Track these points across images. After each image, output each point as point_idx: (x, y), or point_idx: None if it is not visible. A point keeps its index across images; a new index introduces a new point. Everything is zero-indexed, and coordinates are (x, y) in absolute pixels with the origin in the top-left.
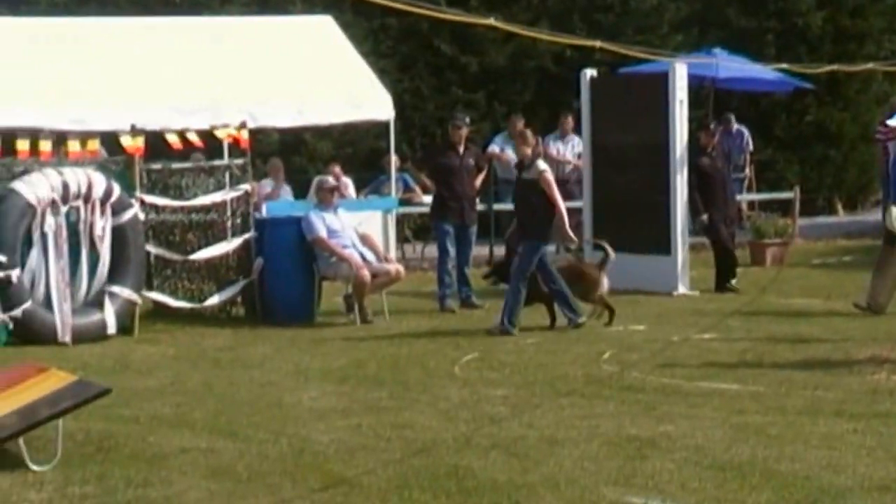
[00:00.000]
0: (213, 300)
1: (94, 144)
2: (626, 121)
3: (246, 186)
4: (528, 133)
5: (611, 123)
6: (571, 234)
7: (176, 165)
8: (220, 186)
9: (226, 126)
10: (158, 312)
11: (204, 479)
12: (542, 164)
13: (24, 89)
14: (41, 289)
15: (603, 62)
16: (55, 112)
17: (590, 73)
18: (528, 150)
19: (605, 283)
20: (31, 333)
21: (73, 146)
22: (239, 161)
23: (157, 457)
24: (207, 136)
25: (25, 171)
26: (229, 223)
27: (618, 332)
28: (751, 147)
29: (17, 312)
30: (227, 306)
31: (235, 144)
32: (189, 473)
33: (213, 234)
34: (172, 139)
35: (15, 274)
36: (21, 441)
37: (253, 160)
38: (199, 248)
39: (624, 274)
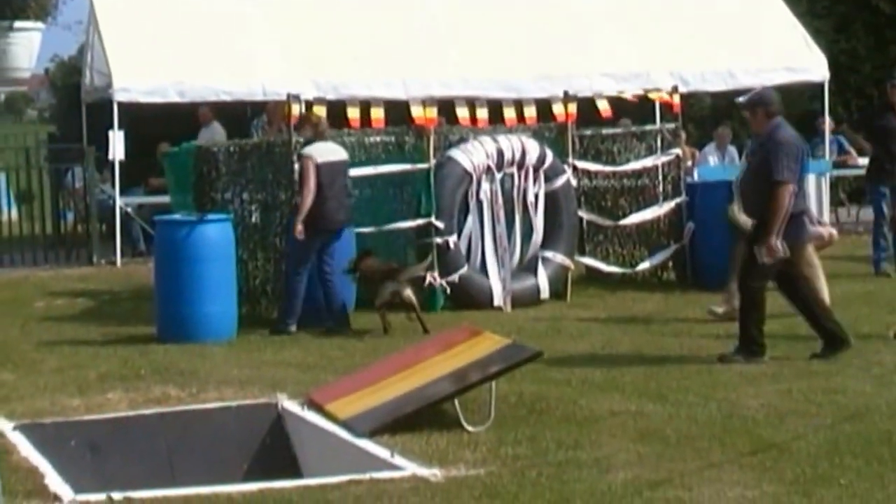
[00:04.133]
0: (644, 265)
1: (529, 112)
2: None
3: (677, 151)
4: (312, 114)
5: None
6: (301, 229)
7: (607, 131)
8: (651, 151)
9: (657, 90)
10: (591, 277)
11: (633, 442)
12: (307, 149)
13: (455, 59)
14: (477, 254)
15: None
16: (491, 80)
17: None
18: (310, 132)
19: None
20: (467, 298)
21: (508, 114)
22: (670, 125)
23: (587, 419)
24: (640, 100)
25: (462, 140)
26: (660, 188)
27: None
28: None
29: (454, 277)
30: (658, 271)
31: (668, 109)
32: (618, 436)
33: (644, 199)
34: (603, 106)
35: (452, 240)
36: (456, 402)
37: (685, 125)
38: (630, 213)
39: None
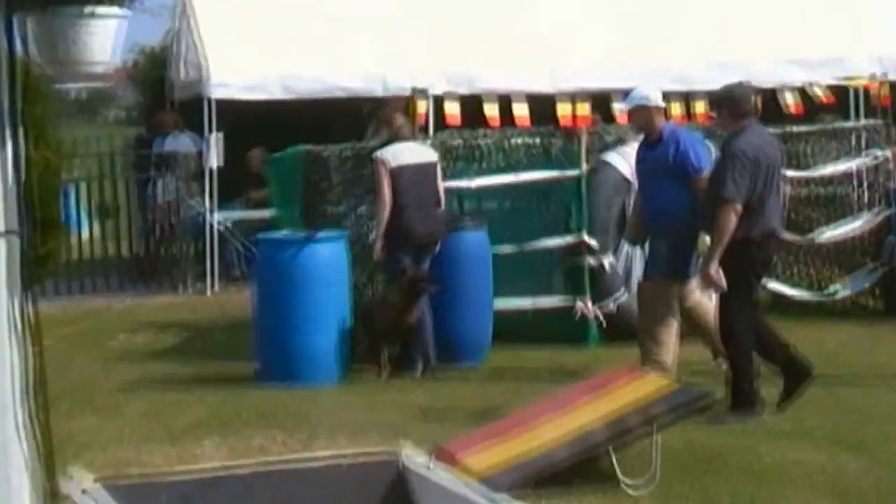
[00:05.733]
0: (844, 292)
1: (700, 107)
2: None
3: (880, 153)
4: (395, 116)
5: None
6: (380, 245)
7: (795, 129)
8: (849, 153)
9: (855, 79)
10: (775, 304)
11: (822, 497)
12: (379, 152)
13: (612, 44)
14: (637, 277)
15: None
16: (654, 70)
17: None
18: (386, 133)
19: None
20: (626, 330)
21: (675, 109)
22: (872, 122)
23: (767, 471)
24: (835, 92)
25: (620, 140)
26: (863, 198)
27: None
28: None
29: (610, 305)
30: (862, 298)
31: (867, 101)
32: (806, 491)
33: (840, 210)
34: (792, 101)
35: (608, 261)
36: (612, 454)
37: (893, 121)
38: (823, 227)
39: None
